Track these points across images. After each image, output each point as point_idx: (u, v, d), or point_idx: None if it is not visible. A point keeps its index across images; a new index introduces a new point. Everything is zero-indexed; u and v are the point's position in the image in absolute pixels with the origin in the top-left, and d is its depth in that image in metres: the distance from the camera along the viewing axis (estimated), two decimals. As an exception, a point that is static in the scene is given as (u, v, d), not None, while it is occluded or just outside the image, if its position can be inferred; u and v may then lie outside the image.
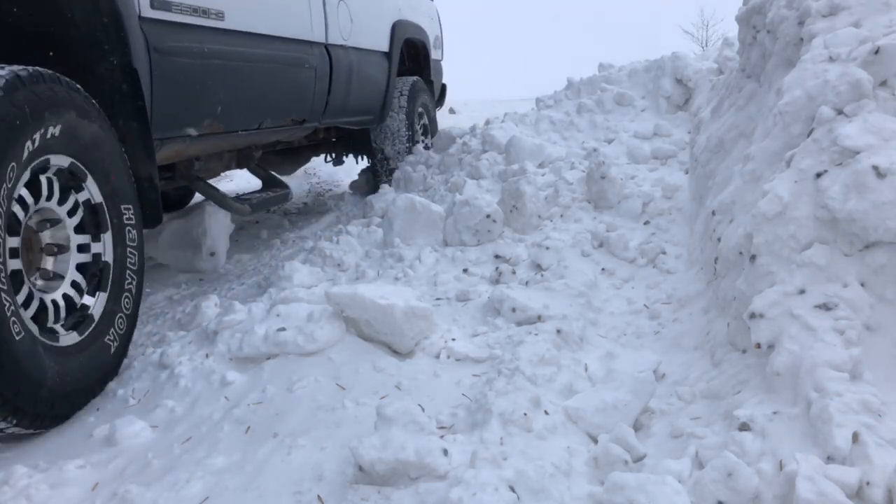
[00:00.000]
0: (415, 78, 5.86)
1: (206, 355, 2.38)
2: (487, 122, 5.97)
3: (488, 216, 3.39)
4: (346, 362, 2.23)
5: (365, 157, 6.06)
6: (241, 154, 4.07)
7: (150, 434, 2.02)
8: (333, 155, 6.17)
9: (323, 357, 2.26)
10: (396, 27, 5.40)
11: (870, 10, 2.32)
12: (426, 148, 6.07)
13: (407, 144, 5.63)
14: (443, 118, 13.03)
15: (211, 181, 4.11)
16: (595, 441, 1.79)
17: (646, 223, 3.64)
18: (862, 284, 1.77)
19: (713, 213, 2.60)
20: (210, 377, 2.27)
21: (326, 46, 4.16)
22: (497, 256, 3.26)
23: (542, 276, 2.93)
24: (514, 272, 3.03)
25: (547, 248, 3.12)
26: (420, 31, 6.01)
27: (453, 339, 2.35)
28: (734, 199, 2.45)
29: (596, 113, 5.65)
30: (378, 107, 5.25)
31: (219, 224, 4.10)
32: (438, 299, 2.83)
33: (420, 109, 6.03)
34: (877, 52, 2.01)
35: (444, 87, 7.03)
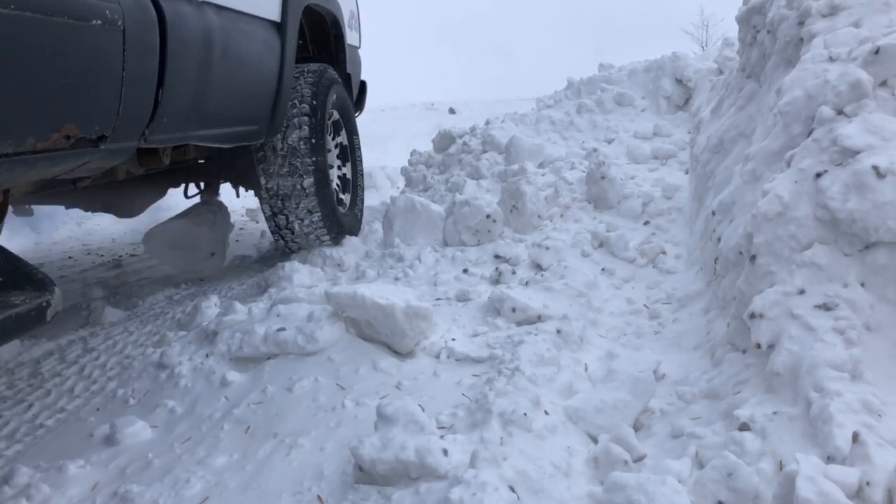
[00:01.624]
0: (321, 65, 3.88)
1: (206, 355, 2.39)
2: (487, 122, 5.97)
3: (488, 216, 3.38)
4: (346, 362, 2.23)
5: (248, 191, 4.18)
6: None
7: (151, 434, 2.02)
8: (200, 186, 4.19)
9: (323, 357, 2.26)
10: None
11: (870, 10, 2.32)
12: (340, 202, 4.04)
13: (311, 168, 3.56)
14: (443, 118, 12.99)
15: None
16: (595, 441, 1.79)
17: (646, 223, 3.64)
18: (862, 284, 1.77)
19: (713, 213, 2.60)
20: (210, 377, 2.27)
21: None
22: (497, 256, 3.26)
23: (542, 276, 2.93)
24: (514, 272, 3.03)
25: (547, 248, 3.12)
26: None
27: (453, 339, 2.35)
28: (734, 199, 2.45)
29: (596, 113, 5.65)
30: (264, 111, 3.27)
31: (219, 224, 4.10)
32: (438, 299, 2.82)
33: (332, 112, 4.01)
34: (877, 52, 2.01)
35: (363, 86, 5.06)
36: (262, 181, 3.56)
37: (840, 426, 1.45)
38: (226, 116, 2.95)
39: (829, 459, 1.42)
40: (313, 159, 3.57)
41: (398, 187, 6.38)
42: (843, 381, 1.58)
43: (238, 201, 6.80)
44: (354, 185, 4.37)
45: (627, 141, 5.06)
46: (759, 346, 1.83)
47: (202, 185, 4.19)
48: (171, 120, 2.43)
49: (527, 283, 2.88)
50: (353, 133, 4.40)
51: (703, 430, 1.74)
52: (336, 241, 3.76)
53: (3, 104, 1.69)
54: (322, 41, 4.33)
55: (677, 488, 1.42)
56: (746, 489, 1.43)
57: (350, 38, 4.55)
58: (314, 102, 3.61)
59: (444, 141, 6.03)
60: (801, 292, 1.81)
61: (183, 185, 4.12)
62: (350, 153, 4.37)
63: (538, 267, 3.07)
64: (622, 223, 3.60)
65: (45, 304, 1.75)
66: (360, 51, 4.94)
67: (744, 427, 1.61)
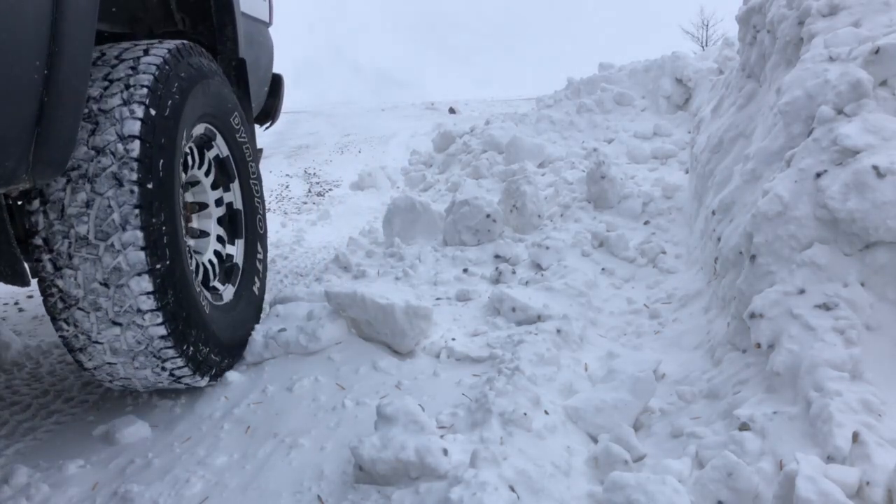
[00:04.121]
0: (177, 42, 2.13)
1: (206, 355, 2.38)
2: (487, 122, 5.97)
3: (488, 216, 3.39)
4: (345, 362, 2.23)
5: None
6: None
7: (150, 433, 2.02)
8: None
9: (323, 357, 2.27)
10: None
11: (870, 9, 2.32)
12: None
13: (142, 239, 1.80)
14: (443, 118, 13.00)
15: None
16: (595, 441, 1.79)
17: (646, 223, 3.64)
18: (862, 284, 1.77)
19: (713, 212, 2.61)
20: (210, 377, 2.27)
21: None
22: (497, 256, 3.26)
23: (542, 275, 2.93)
24: (514, 272, 3.03)
25: (547, 247, 3.12)
26: None
27: (453, 339, 2.35)
28: (734, 198, 2.45)
29: (596, 113, 5.66)
30: (11, 127, 1.49)
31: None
32: (438, 299, 2.82)
33: (201, 126, 2.28)
34: (877, 51, 2.01)
35: (277, 83, 3.52)
36: (39, 268, 1.85)
37: (840, 426, 1.45)
38: None
39: (829, 459, 1.42)
40: (147, 220, 1.82)
41: (398, 187, 6.38)
42: (843, 380, 1.58)
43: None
44: (250, 262, 2.57)
45: (627, 141, 5.06)
46: (759, 345, 1.83)
47: None
48: None
49: (527, 283, 2.88)
50: (247, 164, 2.58)
51: (703, 429, 1.74)
52: (198, 370, 2.07)
53: None
54: (201, 8, 2.64)
55: (677, 488, 1.42)
56: (746, 489, 1.43)
57: (248, 4, 2.88)
58: (153, 112, 1.89)
59: (444, 141, 6.04)
60: (801, 292, 1.81)
61: None
62: (243, 203, 2.57)
63: (538, 267, 3.07)
64: (622, 223, 3.60)
65: None
66: (269, 26, 3.28)
67: (744, 427, 1.61)
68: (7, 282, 1.85)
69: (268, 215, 5.92)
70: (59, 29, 1.58)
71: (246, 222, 2.57)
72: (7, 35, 1.43)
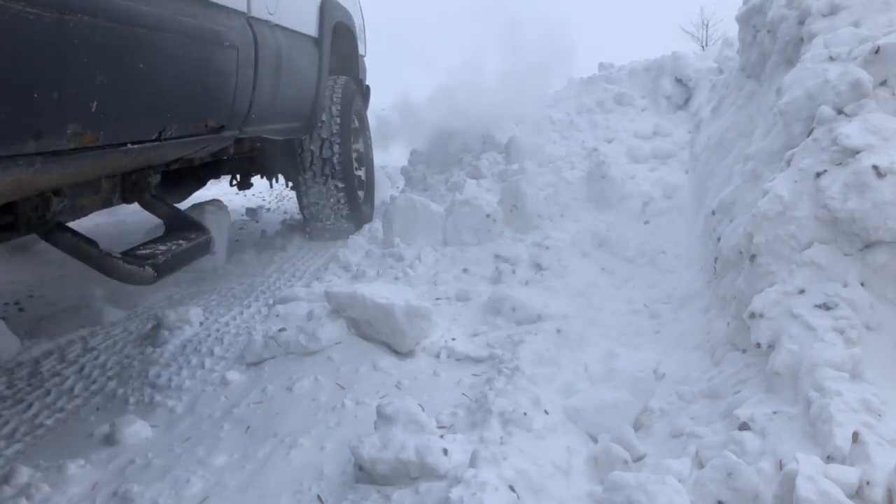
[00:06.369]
0: (345, 77, 4.59)
1: (208, 354, 2.39)
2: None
3: (488, 216, 3.39)
4: (345, 361, 2.23)
5: (282, 180, 4.90)
6: (128, 181, 2.56)
7: (151, 433, 2.02)
8: (239, 177, 4.83)
9: (323, 356, 2.27)
10: (325, 5, 4.06)
11: (870, 9, 2.32)
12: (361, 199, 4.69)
13: (340, 160, 4.28)
14: (443, 118, 13.01)
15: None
16: (595, 440, 1.79)
17: (646, 223, 3.64)
18: (862, 284, 1.77)
19: (713, 212, 2.61)
20: (210, 376, 2.27)
21: (249, 20, 2.82)
22: (497, 256, 3.26)
23: (542, 275, 2.93)
24: (514, 272, 3.03)
25: (547, 247, 3.13)
26: (347, 16, 4.68)
27: (453, 339, 2.35)
28: (734, 198, 2.45)
29: (596, 112, 5.66)
30: (307, 110, 3.92)
31: (219, 223, 4.10)
32: (438, 299, 2.82)
33: (353, 118, 4.61)
34: (877, 51, 2.01)
35: (368, 89, 5.73)
36: (301, 170, 4.31)
37: (840, 426, 1.45)
38: (286, 114, 3.56)
39: (829, 459, 1.42)
40: (342, 154, 4.30)
41: (398, 187, 6.37)
42: (843, 380, 1.58)
43: (238, 201, 6.80)
44: (369, 185, 5.10)
45: (627, 140, 5.06)
46: (758, 345, 1.83)
47: (239, 176, 4.78)
48: (259, 114, 3.02)
49: (527, 283, 2.88)
50: (368, 140, 5.10)
51: (703, 429, 1.74)
52: (357, 225, 4.47)
53: (193, 104, 2.40)
54: (341, 51, 4.73)
55: (677, 488, 1.42)
56: (746, 489, 1.43)
57: (361, 48, 5.19)
58: (342, 107, 4.34)
59: (444, 140, 6.02)
60: (801, 292, 1.81)
61: (228, 177, 4.80)
62: (366, 159, 5.04)
63: (538, 266, 3.07)
64: (622, 223, 3.61)
65: (209, 240, 2.57)
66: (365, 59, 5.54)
67: (744, 427, 1.61)
68: (290, 179, 4.65)
69: (268, 214, 5.91)
70: (320, 74, 3.95)
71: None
72: (309, 77, 3.79)
